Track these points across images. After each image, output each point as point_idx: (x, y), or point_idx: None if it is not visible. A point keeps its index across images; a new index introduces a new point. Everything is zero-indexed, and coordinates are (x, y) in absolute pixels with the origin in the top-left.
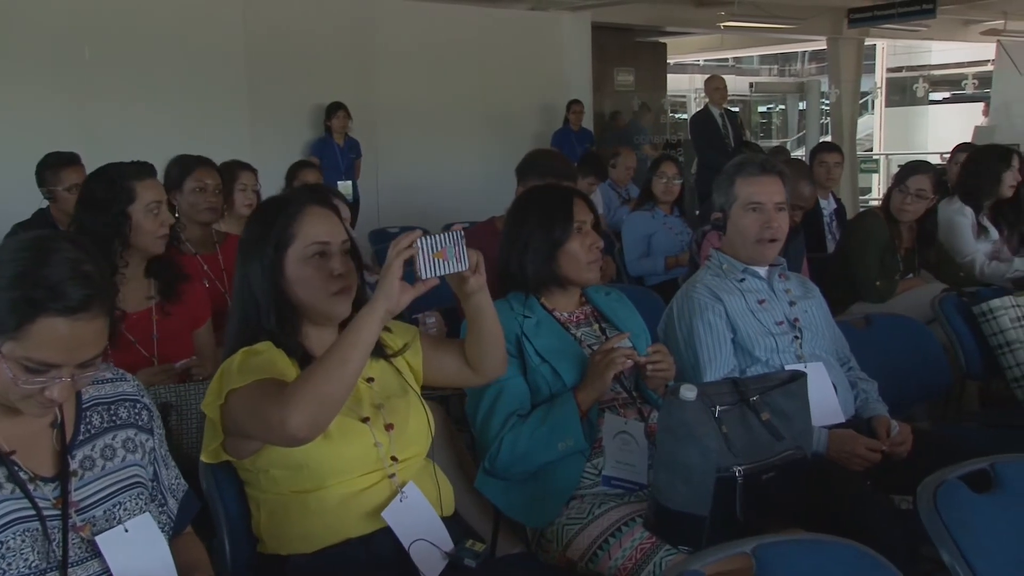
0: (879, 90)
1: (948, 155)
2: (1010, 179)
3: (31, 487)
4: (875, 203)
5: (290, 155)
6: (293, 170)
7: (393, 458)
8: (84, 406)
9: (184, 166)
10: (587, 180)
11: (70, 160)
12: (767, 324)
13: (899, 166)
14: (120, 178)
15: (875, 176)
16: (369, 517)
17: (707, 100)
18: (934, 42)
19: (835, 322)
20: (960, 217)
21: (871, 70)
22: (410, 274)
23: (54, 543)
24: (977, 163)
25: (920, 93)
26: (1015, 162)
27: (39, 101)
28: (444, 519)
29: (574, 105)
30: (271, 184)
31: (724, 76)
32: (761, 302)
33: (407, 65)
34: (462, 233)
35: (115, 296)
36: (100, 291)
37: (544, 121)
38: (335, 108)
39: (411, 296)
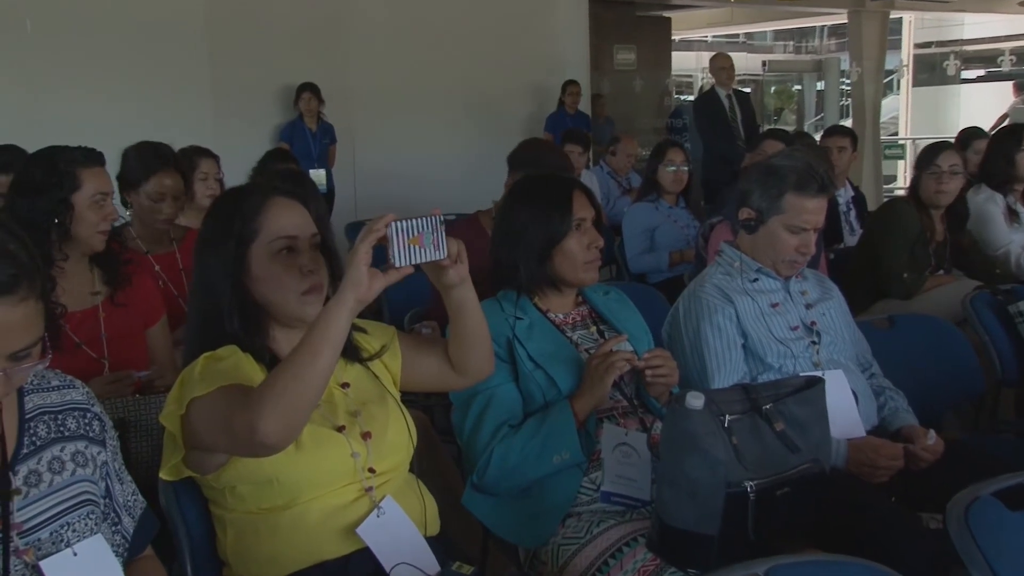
0: (905, 68)
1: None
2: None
3: None
4: (901, 192)
5: (257, 141)
6: (265, 162)
7: (371, 470)
8: (27, 416)
9: (145, 165)
10: (574, 148)
11: (6, 167)
12: (781, 329)
13: (922, 150)
14: (65, 162)
15: (900, 163)
16: (346, 537)
17: (713, 81)
18: (967, 14)
19: (856, 323)
20: (991, 206)
21: (897, 46)
22: (382, 260)
23: None
24: (992, 145)
25: (951, 71)
26: None
27: None
28: (429, 539)
29: (570, 86)
30: (236, 173)
31: (734, 54)
32: (775, 305)
33: (387, 42)
34: (442, 219)
35: (51, 287)
36: (28, 272)
37: (537, 103)
38: (302, 89)
39: (382, 284)
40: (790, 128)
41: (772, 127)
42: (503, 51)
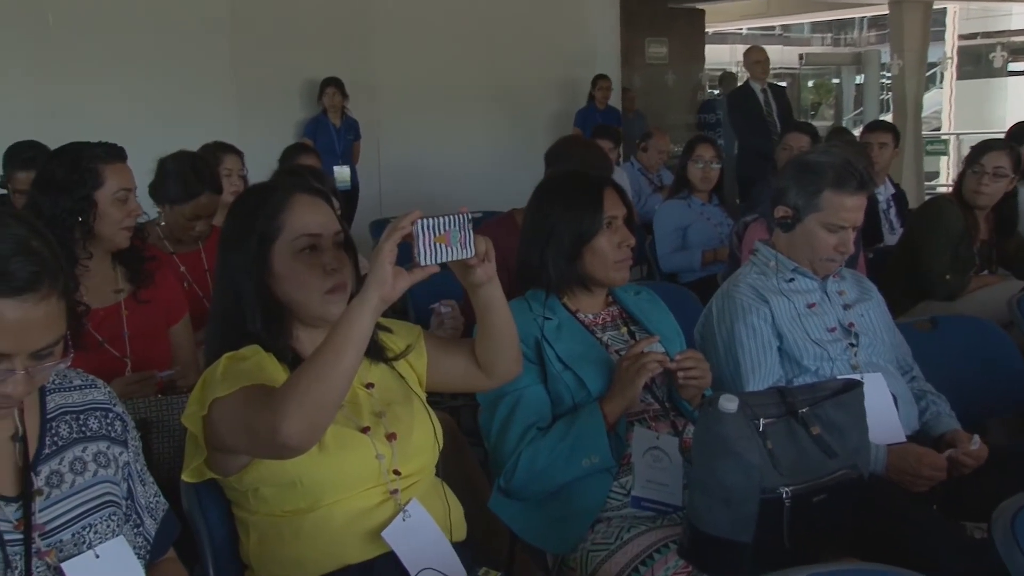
0: (949, 60)
1: None
2: None
3: None
4: (943, 189)
5: (280, 136)
6: (288, 155)
7: (396, 472)
8: (49, 416)
9: (186, 187)
10: (605, 144)
11: (29, 163)
12: (818, 330)
13: (971, 147)
14: (87, 159)
15: (943, 159)
16: (370, 541)
17: (747, 75)
18: (1014, 3)
19: (896, 325)
20: None
21: (940, 37)
22: (406, 258)
23: (16, 571)
24: None
25: (997, 63)
26: None
27: None
28: (455, 544)
29: (600, 81)
30: (259, 169)
31: (770, 47)
32: (811, 306)
33: (413, 35)
34: (469, 217)
35: (75, 287)
36: (50, 269)
37: (566, 98)
38: (326, 84)
39: (407, 283)
40: (828, 123)
41: (805, 121)
42: (532, 44)
